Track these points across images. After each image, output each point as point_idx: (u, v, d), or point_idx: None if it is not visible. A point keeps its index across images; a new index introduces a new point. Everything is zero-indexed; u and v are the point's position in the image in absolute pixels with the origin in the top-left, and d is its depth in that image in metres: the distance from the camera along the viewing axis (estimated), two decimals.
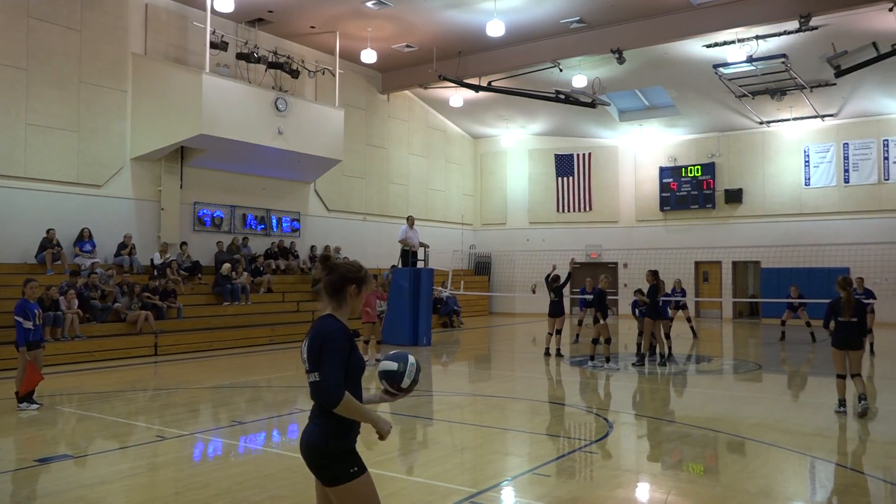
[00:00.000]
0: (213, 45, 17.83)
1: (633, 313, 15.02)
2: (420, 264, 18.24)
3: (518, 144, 28.88)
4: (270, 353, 15.59)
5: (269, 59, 19.56)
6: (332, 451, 3.12)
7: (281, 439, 8.01)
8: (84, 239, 16.32)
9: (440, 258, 22.57)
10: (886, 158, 23.03)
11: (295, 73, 20.14)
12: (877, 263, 19.94)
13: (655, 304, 13.51)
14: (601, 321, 13.42)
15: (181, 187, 18.46)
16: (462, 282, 22.80)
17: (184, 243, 18.26)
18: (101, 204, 17.03)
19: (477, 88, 21.69)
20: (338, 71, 21.21)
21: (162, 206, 18.11)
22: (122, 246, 17.00)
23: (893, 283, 19.74)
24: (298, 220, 21.77)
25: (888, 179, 23.00)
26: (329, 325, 3.18)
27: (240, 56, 19.00)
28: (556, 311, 14.84)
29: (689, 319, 19.34)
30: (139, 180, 17.79)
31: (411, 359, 3.47)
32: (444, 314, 22.23)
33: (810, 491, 6.27)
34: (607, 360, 13.42)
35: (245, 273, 18.47)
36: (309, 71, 21.06)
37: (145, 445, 7.41)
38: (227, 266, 17.84)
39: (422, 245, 18.27)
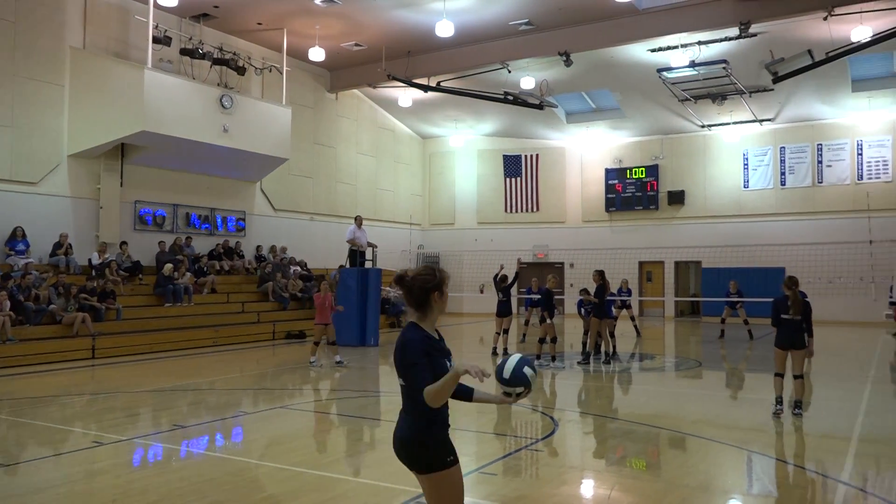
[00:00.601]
0: (156, 40, 17.38)
1: (579, 312, 15.23)
2: (368, 264, 18.16)
3: (467, 145, 28.99)
4: (214, 356, 15.29)
5: (215, 56, 19.17)
6: (426, 440, 3.29)
7: (224, 443, 7.86)
8: (17, 238, 15.71)
9: (388, 258, 22.51)
10: (820, 162, 23.92)
11: (241, 70, 19.80)
12: (810, 264, 20.68)
13: (602, 304, 13.73)
14: (548, 320, 13.58)
15: (121, 185, 17.92)
16: None
17: (124, 243, 17.75)
18: (35, 202, 16.41)
19: (426, 88, 21.69)
20: (285, 69, 20.95)
21: (101, 204, 17.57)
22: (58, 245, 16.42)
23: (826, 282, 20.50)
24: (244, 220, 21.40)
25: (822, 182, 23.90)
26: (406, 335, 3.34)
27: (184, 52, 18.57)
28: (503, 310, 14.96)
29: (632, 318, 19.73)
30: (77, 178, 17.22)
31: (518, 355, 3.50)
32: (391, 314, 22.14)
33: (747, 484, 6.46)
34: (553, 358, 13.58)
35: (188, 273, 18.06)
36: (255, 68, 20.73)
37: (81, 452, 7.17)
38: (169, 266, 17.42)
39: (370, 245, 18.22)
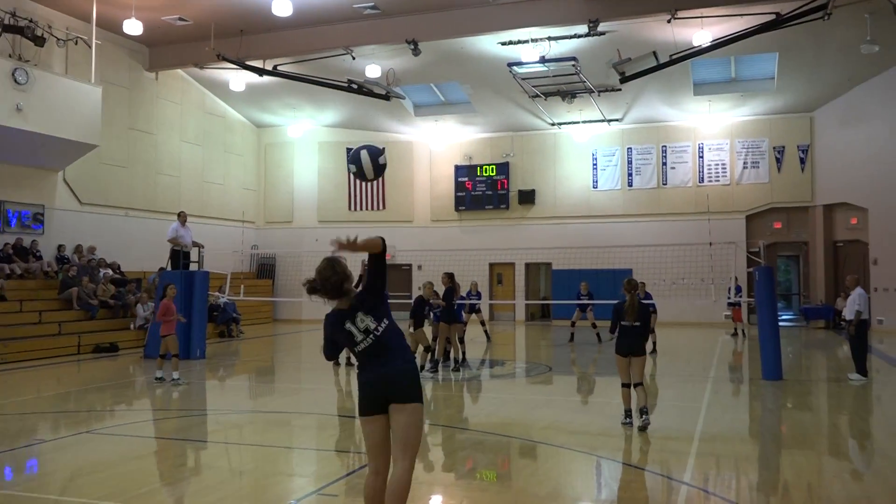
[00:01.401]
0: None
1: (428, 317, 15.40)
2: (193, 266, 17.51)
3: (307, 136, 28.56)
4: (3, 374, 13.98)
5: (5, 22, 17.56)
6: (417, 374, 4.74)
7: (15, 477, 7.18)
8: None
9: (217, 259, 21.70)
10: (665, 164, 25.87)
11: (39, 41, 18.24)
12: (656, 265, 22.23)
13: (451, 308, 13.96)
14: (412, 329, 13.41)
15: None
16: (242, 286, 22.03)
17: None
18: None
19: (261, 72, 21.09)
20: (94, 41, 19.57)
21: None
22: None
23: (670, 283, 22.15)
24: (42, 215, 19.76)
25: (666, 184, 25.86)
26: (354, 302, 5.04)
27: None
28: None
29: (482, 323, 20.28)
30: None
31: (361, 150, 5.42)
32: (221, 322, 21.39)
33: (596, 490, 6.83)
34: (422, 367, 13.44)
35: None
36: (58, 39, 19.19)
37: None
38: None
39: (195, 245, 17.58)
